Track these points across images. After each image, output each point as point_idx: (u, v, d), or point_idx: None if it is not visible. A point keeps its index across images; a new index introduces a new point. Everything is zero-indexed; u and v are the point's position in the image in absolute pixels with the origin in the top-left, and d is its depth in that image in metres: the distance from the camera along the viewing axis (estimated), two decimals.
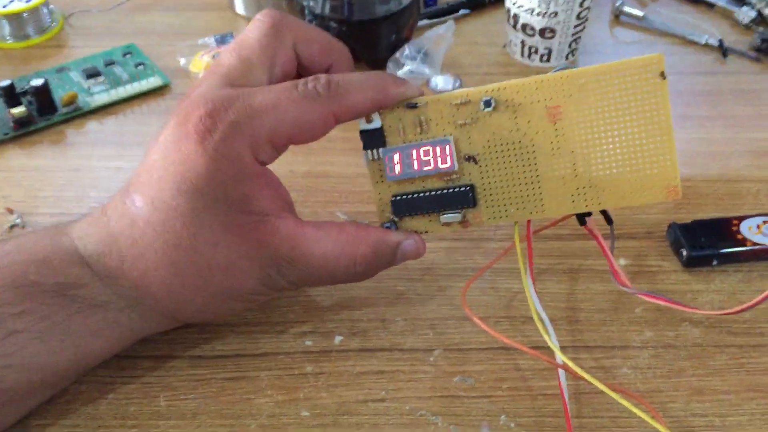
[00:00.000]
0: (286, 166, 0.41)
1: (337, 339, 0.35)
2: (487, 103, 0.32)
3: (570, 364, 0.31)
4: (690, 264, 0.38)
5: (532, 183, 0.32)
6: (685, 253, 0.38)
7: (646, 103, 0.30)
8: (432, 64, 0.51)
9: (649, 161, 0.31)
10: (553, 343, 0.32)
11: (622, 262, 0.39)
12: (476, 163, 0.32)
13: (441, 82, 0.50)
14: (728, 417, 0.32)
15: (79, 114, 0.50)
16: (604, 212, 0.34)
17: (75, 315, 0.30)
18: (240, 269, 0.30)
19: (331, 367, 0.34)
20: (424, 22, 0.59)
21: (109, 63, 0.54)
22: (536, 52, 0.54)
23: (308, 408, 0.32)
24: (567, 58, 0.54)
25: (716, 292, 0.37)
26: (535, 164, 0.32)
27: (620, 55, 0.54)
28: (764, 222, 0.39)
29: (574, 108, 0.31)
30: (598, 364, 0.34)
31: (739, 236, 0.38)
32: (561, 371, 0.31)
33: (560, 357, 0.31)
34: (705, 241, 0.38)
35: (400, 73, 0.50)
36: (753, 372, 0.34)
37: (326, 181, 0.44)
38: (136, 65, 0.54)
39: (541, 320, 0.32)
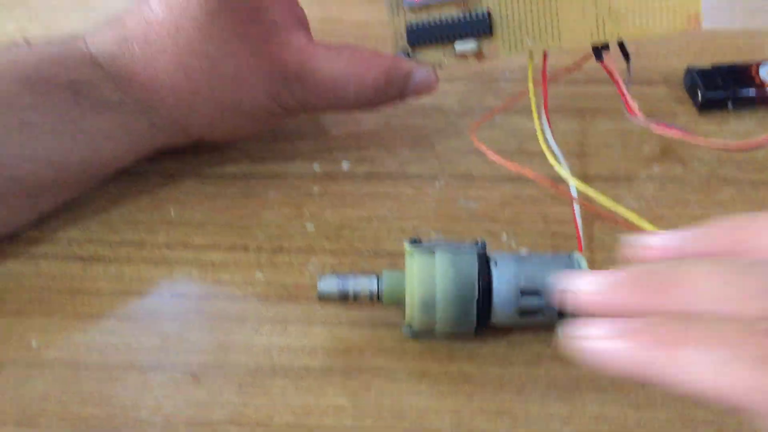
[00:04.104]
0: None
1: (345, 165, 0.35)
2: None
3: (581, 185, 0.30)
4: (705, 107, 0.37)
5: (549, 12, 0.32)
6: (700, 94, 0.37)
7: None
8: None
9: None
10: (563, 170, 0.31)
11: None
12: None
13: None
14: None
15: None
16: (621, 47, 0.33)
17: (88, 113, 0.30)
18: (249, 82, 0.31)
19: (337, 188, 0.34)
20: None
21: None
22: None
23: (313, 221, 0.33)
24: None
25: (730, 133, 0.37)
26: None
27: None
28: None
29: None
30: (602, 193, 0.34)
31: (757, 80, 0.37)
32: (572, 185, 0.31)
33: (573, 182, 0.31)
34: (722, 84, 0.37)
35: None
36: (759, 206, 0.33)
37: (341, 28, 0.44)
38: None
39: (550, 149, 0.32)
